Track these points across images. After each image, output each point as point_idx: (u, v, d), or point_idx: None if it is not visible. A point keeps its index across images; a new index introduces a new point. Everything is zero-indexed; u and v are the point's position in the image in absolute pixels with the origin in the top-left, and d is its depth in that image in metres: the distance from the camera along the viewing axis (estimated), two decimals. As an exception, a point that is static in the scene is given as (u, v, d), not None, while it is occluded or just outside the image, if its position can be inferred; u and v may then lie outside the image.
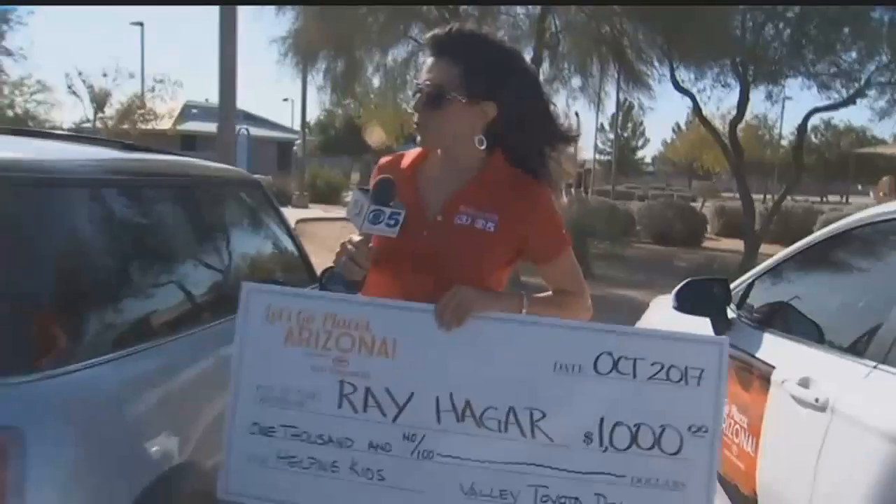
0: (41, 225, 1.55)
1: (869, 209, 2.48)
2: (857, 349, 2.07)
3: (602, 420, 1.57)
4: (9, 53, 21.46)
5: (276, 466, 1.60)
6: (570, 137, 1.74)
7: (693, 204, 22.63)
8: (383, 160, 1.78)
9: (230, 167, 2.79)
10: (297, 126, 41.67)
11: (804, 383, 2.09)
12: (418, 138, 1.69)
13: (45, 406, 1.39)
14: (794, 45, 11.47)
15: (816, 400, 2.00)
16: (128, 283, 1.84)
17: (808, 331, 2.38)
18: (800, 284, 2.76)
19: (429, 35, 1.68)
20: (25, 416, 1.33)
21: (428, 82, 1.62)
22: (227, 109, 7.74)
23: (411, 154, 1.77)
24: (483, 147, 1.67)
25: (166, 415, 1.75)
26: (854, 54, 11.54)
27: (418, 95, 1.64)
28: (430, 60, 1.65)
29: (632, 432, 1.56)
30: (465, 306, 1.55)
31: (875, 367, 1.91)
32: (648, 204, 19.24)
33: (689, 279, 2.85)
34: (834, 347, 2.20)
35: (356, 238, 1.59)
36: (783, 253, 2.85)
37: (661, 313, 3.27)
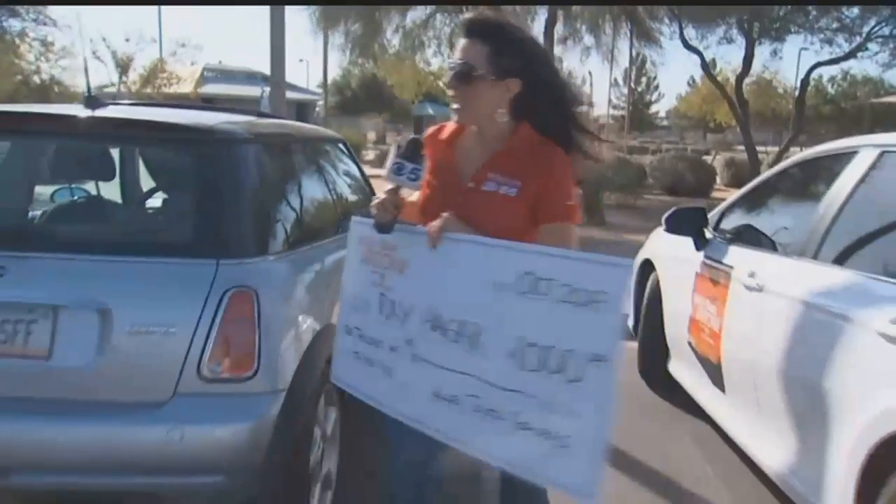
0: (248, 170, 2.39)
1: (808, 150, 3.30)
2: (788, 250, 2.91)
3: (520, 339, 1.56)
4: (55, 24, 21.67)
5: (353, 359, 1.92)
6: (580, 101, 1.88)
7: (705, 157, 22.83)
8: (428, 131, 1.98)
9: (325, 129, 3.65)
10: (312, 87, 42.19)
11: (751, 275, 2.91)
12: (453, 114, 1.85)
13: (267, 276, 2.27)
14: (798, 2, 12.00)
15: (757, 284, 2.85)
16: (295, 206, 2.70)
17: (762, 241, 3.19)
18: (759, 209, 3.56)
19: (462, 19, 1.83)
20: (258, 281, 2.20)
21: (460, 61, 1.77)
22: (277, 81, 8.86)
23: (450, 127, 1.93)
24: (505, 120, 1.82)
25: (322, 292, 2.62)
26: (856, 10, 12.10)
27: (451, 73, 1.79)
28: (462, 41, 1.80)
29: (541, 354, 1.52)
30: (440, 226, 1.71)
31: (797, 260, 2.75)
32: (660, 157, 19.45)
33: (675, 208, 3.69)
34: (775, 251, 3.04)
35: (388, 187, 1.80)
36: (747, 188, 3.68)
37: (658, 237, 4.17)
